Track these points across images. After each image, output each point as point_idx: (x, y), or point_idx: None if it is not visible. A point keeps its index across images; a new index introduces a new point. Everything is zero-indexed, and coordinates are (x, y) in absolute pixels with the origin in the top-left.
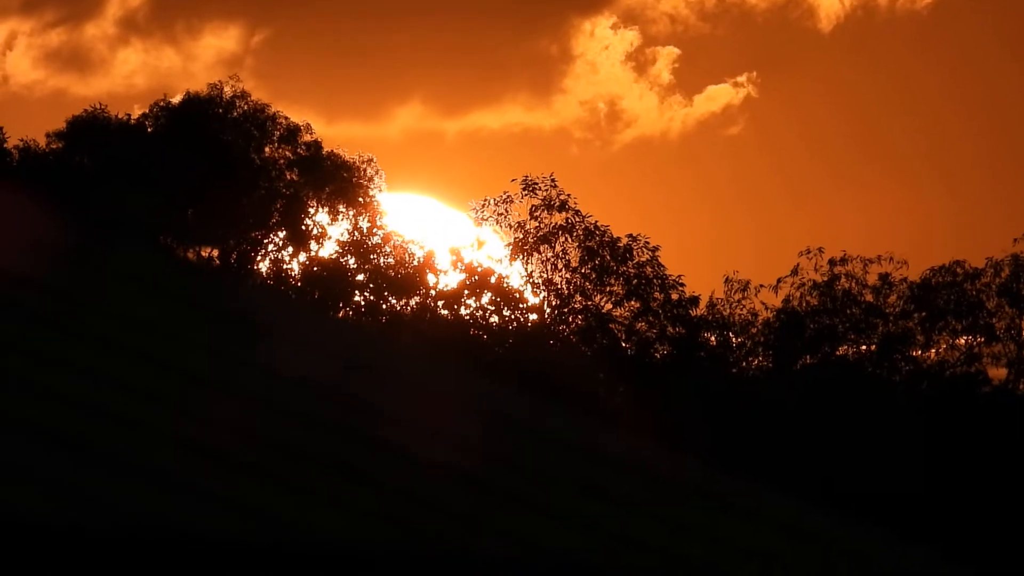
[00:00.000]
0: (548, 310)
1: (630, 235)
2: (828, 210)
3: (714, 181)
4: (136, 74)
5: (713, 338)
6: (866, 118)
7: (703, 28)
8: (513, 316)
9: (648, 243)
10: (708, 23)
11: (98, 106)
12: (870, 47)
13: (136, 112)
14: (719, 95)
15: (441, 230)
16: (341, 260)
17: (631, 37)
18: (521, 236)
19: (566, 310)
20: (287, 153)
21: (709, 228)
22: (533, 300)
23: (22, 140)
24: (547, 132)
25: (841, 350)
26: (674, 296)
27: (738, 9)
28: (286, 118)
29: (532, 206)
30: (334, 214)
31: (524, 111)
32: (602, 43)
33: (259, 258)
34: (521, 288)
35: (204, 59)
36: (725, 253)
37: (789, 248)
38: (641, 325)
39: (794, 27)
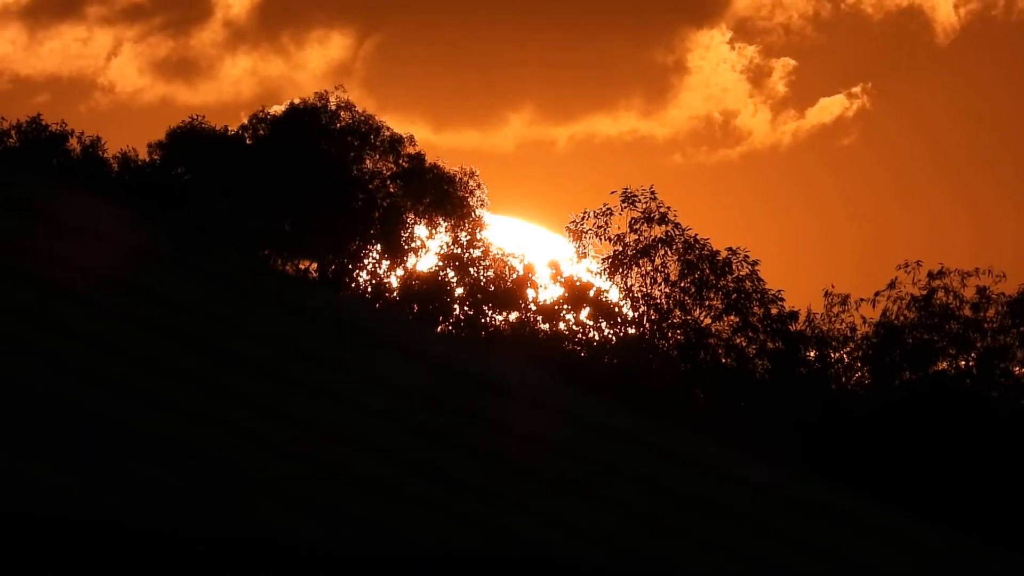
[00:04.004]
0: (647, 324)
1: (729, 248)
2: (937, 222)
3: (822, 192)
4: (243, 81)
5: (812, 352)
6: (979, 132)
7: (818, 39)
8: (612, 331)
9: (748, 256)
10: (824, 34)
11: (197, 117)
12: (985, 60)
13: (243, 120)
14: (832, 106)
15: (527, 250)
16: (440, 273)
17: (750, 53)
18: (620, 249)
19: (665, 324)
20: (389, 165)
21: (815, 240)
22: (632, 314)
23: (121, 150)
24: (659, 142)
25: (940, 365)
26: (773, 311)
27: (854, 20)
28: (389, 129)
29: (632, 219)
30: (433, 226)
31: (639, 118)
32: (719, 56)
33: (356, 271)
34: (620, 302)
35: (312, 67)
36: (830, 265)
37: (895, 259)
38: (740, 340)
39: (911, 39)
